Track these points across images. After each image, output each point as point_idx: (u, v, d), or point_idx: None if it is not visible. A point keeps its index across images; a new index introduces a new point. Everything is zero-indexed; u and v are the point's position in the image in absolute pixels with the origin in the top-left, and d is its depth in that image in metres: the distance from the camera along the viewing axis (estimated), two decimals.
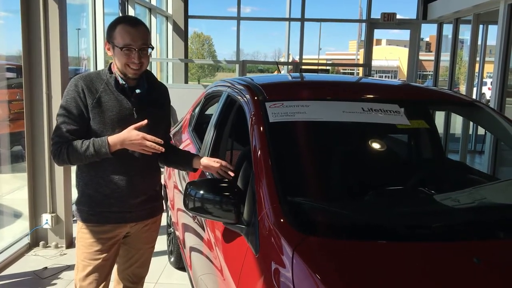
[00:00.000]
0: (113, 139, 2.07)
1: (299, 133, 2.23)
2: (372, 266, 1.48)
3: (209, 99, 3.49)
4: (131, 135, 2.05)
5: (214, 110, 3.02)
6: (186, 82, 9.89)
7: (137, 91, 2.16)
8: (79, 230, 2.25)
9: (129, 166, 2.16)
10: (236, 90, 2.58)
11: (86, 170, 2.19)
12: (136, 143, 2.05)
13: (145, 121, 2.07)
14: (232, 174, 2.16)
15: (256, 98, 2.26)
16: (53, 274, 3.55)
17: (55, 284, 3.44)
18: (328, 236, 1.61)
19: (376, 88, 2.74)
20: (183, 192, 3.02)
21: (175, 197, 3.35)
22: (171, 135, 3.97)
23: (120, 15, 5.77)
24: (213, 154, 2.69)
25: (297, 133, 2.22)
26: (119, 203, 2.19)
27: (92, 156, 2.09)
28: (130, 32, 2.05)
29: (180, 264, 3.71)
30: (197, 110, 3.63)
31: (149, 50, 2.12)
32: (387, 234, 1.65)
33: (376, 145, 2.46)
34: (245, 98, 2.35)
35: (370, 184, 2.13)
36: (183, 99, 6.72)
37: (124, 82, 2.15)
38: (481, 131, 9.12)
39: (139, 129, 2.07)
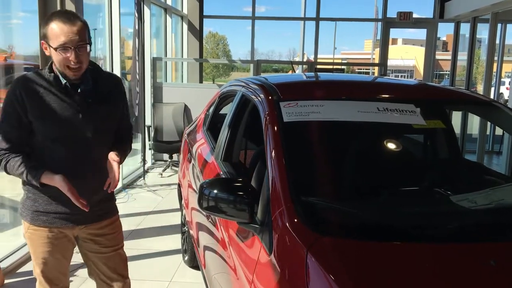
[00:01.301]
0: (45, 179, 1.99)
1: (313, 132, 2.21)
2: (386, 268, 1.46)
3: (224, 98, 3.50)
4: (61, 187, 1.97)
5: (228, 110, 3.03)
6: (201, 81, 9.93)
7: (80, 88, 2.04)
8: (26, 230, 2.16)
9: (76, 167, 2.05)
10: (251, 90, 2.58)
11: None
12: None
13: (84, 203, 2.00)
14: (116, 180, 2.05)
15: (270, 97, 2.25)
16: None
17: (71, 281, 3.47)
18: (342, 236, 1.60)
19: (392, 87, 2.71)
20: (197, 191, 3.04)
21: (189, 196, 3.36)
22: (186, 134, 4.00)
23: (136, 15, 5.80)
24: (227, 153, 2.69)
25: (311, 133, 2.21)
26: (66, 205, 2.08)
27: (26, 182, 2.05)
28: (63, 30, 1.90)
29: (194, 263, 3.73)
30: (211, 109, 3.65)
31: (88, 47, 1.97)
32: (402, 235, 1.63)
33: (391, 145, 2.44)
34: (259, 98, 2.35)
35: (385, 184, 2.12)
36: (198, 99, 6.77)
37: (65, 81, 2.01)
38: (498, 131, 8.98)
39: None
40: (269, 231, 1.72)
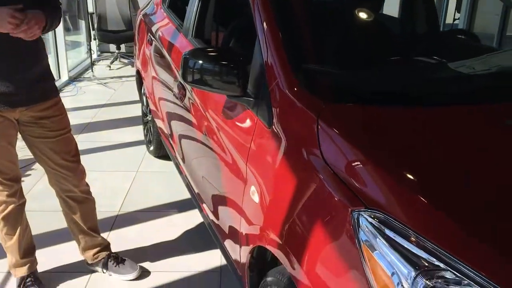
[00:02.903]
0: None
1: (302, 2, 2.00)
2: (402, 130, 1.38)
3: None
4: None
5: None
6: None
7: None
8: None
9: (4, 44, 1.82)
10: None
11: None
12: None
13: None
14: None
15: None
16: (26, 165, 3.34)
17: (28, 175, 3.27)
18: (349, 102, 1.47)
19: None
20: (161, 78, 2.79)
21: (154, 85, 3.10)
22: (142, 15, 3.58)
23: None
24: (199, 29, 2.44)
25: (300, 2, 1.99)
26: (3, 85, 1.88)
27: None
28: None
29: (160, 153, 3.58)
30: None
31: None
32: (410, 99, 1.53)
33: (381, 17, 2.28)
34: None
35: (383, 53, 1.99)
36: None
37: None
38: (449, 20, 8.99)
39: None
40: (266, 104, 1.58)
